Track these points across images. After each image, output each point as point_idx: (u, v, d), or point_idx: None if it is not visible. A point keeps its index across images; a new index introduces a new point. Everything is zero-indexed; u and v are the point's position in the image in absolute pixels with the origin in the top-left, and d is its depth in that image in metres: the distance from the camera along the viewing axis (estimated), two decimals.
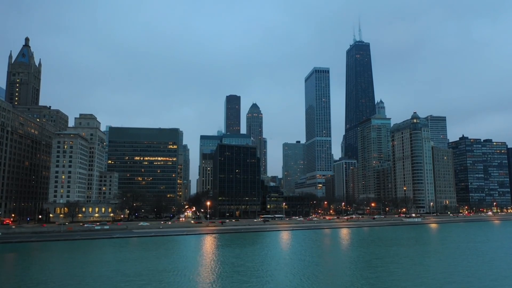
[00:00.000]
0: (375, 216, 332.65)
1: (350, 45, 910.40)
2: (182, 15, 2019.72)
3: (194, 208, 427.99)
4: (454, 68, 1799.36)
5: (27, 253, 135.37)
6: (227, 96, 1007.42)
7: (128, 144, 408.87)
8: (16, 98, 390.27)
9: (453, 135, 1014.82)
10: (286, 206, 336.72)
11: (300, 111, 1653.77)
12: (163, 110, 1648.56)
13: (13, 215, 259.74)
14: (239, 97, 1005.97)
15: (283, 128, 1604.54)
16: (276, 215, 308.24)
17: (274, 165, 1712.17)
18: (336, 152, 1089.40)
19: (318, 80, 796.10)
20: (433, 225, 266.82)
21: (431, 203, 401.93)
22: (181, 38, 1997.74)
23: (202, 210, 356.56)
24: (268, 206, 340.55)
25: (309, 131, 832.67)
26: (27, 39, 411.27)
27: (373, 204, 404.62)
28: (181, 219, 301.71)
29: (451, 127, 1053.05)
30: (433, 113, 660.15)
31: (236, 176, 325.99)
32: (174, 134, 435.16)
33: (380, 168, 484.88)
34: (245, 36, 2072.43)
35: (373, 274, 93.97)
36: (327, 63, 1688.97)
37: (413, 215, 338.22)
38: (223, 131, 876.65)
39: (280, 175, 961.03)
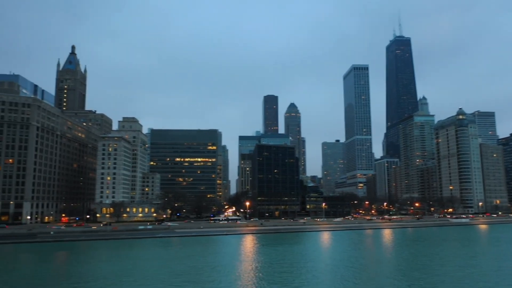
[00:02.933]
0: (419, 216, 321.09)
1: (390, 41, 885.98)
2: (230, 17, 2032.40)
3: (234, 208, 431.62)
4: (503, 62, 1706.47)
5: (77, 251, 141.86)
6: (264, 96, 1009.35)
7: (169, 146, 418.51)
8: (64, 104, 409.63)
9: (503, 132, 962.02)
10: (326, 206, 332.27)
11: (339, 109, 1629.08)
12: (206, 111, 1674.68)
13: (63, 215, 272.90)
14: (277, 97, 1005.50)
15: (321, 127, 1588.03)
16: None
17: (313, 165, 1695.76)
18: (377, 150, 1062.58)
19: (357, 77, 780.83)
20: (483, 226, 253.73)
21: (480, 203, 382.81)
22: (228, 39, 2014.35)
23: (241, 210, 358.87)
24: (308, 206, 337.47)
25: (348, 129, 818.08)
26: (73, 47, 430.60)
27: (417, 204, 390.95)
28: (222, 219, 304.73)
29: (500, 123, 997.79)
30: (480, 109, 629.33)
31: (274, 176, 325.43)
32: (213, 135, 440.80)
33: (424, 166, 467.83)
34: (285, 36, 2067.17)
35: (430, 278, 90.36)
36: (366, 60, 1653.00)
37: (463, 215, 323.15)
38: (261, 131, 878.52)
39: (319, 175, 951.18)
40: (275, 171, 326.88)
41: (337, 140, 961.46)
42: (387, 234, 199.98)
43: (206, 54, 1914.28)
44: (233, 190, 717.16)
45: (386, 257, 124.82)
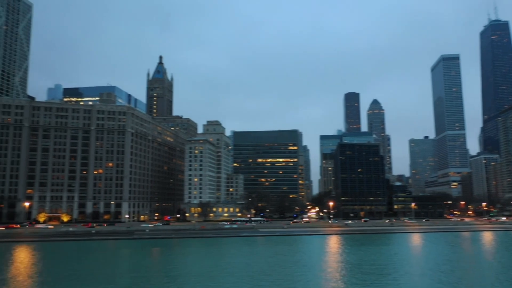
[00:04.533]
0: None
1: (484, 26, 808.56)
2: (314, 16, 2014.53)
3: (317, 208, 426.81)
4: None
5: (170, 248, 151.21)
6: (345, 94, 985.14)
7: (251, 147, 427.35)
8: (154, 110, 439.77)
9: None
10: (415, 207, 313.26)
11: (427, 104, 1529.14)
12: (288, 112, 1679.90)
13: (156, 214, 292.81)
14: (358, 94, 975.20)
15: (408, 123, 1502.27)
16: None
17: (400, 163, 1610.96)
18: (472, 146, 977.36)
19: (446, 68, 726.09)
20: None
21: None
22: (311, 39, 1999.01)
23: (325, 211, 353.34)
24: (395, 207, 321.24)
25: (439, 125, 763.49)
26: (160, 57, 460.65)
27: None
28: (304, 219, 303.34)
29: None
30: None
31: (358, 176, 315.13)
32: (294, 135, 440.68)
33: None
34: (368, 32, 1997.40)
35: None
36: (456, 49, 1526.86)
37: None
38: (343, 130, 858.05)
39: (407, 174, 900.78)
40: (359, 170, 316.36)
41: (426, 137, 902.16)
42: (487, 236, 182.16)
43: (289, 55, 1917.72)
44: (315, 190, 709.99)
45: (489, 262, 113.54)
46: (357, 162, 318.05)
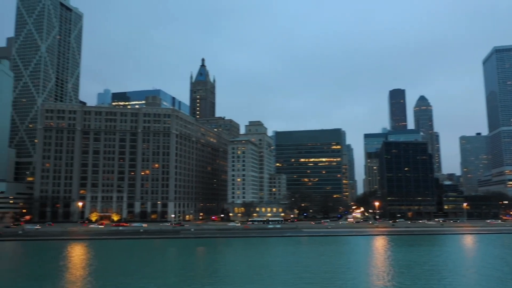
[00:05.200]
0: None
1: None
2: (358, 12, 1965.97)
3: (362, 209, 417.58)
4: None
5: (214, 247, 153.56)
6: (390, 91, 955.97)
7: (293, 147, 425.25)
8: (197, 112, 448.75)
9: None
10: (467, 207, 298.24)
11: (479, 99, 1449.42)
12: (331, 110, 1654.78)
13: (201, 214, 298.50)
14: (404, 90, 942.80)
15: (458, 120, 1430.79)
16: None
17: (449, 162, 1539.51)
18: None
19: (500, 60, 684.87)
20: None
21: None
22: (355, 35, 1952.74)
23: (370, 211, 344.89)
24: (446, 207, 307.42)
25: (492, 120, 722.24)
26: (203, 60, 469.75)
27: None
28: (348, 219, 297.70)
29: None
30: None
31: (405, 175, 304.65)
32: (337, 134, 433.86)
33: None
34: (414, 26, 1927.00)
35: None
36: (510, 40, 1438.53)
37: None
38: (388, 128, 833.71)
39: (458, 173, 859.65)
40: (406, 169, 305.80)
41: (478, 133, 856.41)
42: None
43: (332, 52, 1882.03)
44: (360, 190, 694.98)
45: None
46: (404, 160, 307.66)
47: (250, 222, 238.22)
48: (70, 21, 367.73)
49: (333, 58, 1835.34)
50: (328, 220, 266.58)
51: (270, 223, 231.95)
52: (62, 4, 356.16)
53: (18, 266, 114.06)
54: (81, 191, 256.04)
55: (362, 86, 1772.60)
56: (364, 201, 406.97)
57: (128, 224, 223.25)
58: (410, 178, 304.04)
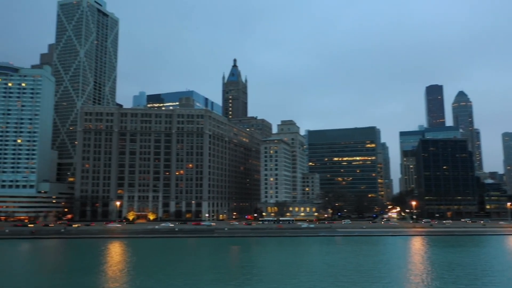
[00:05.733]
0: None
1: None
2: (396, 6, 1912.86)
3: (398, 208, 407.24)
4: None
5: (248, 246, 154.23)
6: (426, 87, 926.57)
7: (326, 146, 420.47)
8: (230, 112, 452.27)
9: None
10: (511, 206, 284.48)
11: None
12: (366, 108, 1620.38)
13: (234, 213, 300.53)
14: (441, 86, 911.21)
15: (500, 116, 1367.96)
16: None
17: (491, 160, 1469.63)
18: None
19: None
20: None
21: None
22: (393, 31, 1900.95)
23: (407, 211, 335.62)
24: (488, 207, 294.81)
25: None
26: (235, 60, 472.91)
27: None
28: (384, 219, 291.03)
29: None
30: None
31: (444, 173, 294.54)
32: (371, 133, 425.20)
33: None
34: (454, 19, 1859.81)
35: None
36: None
37: None
38: (425, 125, 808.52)
39: (500, 171, 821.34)
40: (444, 167, 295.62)
41: None
42: None
43: (367, 49, 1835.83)
44: (396, 189, 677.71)
45: None
46: (442, 159, 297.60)
47: (261, 222, 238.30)
48: (107, 26, 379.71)
49: (368, 54, 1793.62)
50: (387, 218, 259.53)
51: (281, 222, 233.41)
52: (99, 10, 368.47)
53: (62, 262, 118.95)
54: (119, 191, 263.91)
55: (398, 83, 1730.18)
56: (400, 200, 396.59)
57: (201, 223, 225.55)
58: (449, 177, 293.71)
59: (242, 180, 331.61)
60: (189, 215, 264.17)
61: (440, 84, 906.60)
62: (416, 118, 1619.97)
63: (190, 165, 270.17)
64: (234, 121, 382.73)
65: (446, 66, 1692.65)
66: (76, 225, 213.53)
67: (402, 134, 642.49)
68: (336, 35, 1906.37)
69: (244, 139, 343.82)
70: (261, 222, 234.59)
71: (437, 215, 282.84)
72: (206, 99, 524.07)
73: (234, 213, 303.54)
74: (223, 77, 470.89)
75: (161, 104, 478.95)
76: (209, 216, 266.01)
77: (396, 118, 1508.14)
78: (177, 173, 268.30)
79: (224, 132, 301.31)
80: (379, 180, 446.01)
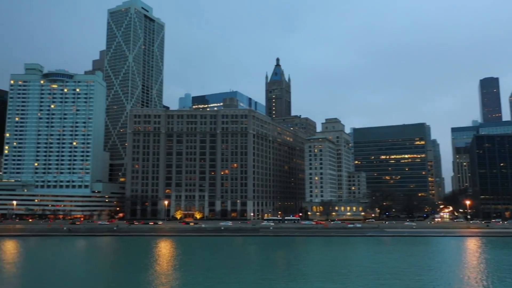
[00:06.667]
0: None
1: None
2: None
3: (450, 208, 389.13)
4: None
5: (294, 245, 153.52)
6: (480, 80, 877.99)
7: (373, 144, 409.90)
8: (273, 112, 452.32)
9: None
10: None
11: None
12: (416, 104, 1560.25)
13: (279, 212, 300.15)
14: (497, 78, 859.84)
15: None
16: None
17: None
18: None
19: None
20: None
21: None
22: (446, 22, 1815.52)
23: (460, 210, 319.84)
24: None
25: None
26: (277, 59, 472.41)
27: None
28: (436, 219, 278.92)
29: None
30: None
31: (501, 171, 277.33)
32: (420, 129, 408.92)
33: None
34: (501, 7, 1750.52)
35: None
36: None
37: None
38: (479, 120, 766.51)
39: None
40: (502, 164, 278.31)
41: None
42: None
43: (418, 42, 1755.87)
44: (448, 188, 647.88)
45: None
46: (499, 155, 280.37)
47: (286, 221, 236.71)
48: (153, 31, 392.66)
49: (419, 48, 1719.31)
50: (439, 218, 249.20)
51: (286, 221, 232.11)
52: (146, 16, 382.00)
53: (115, 258, 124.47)
54: (167, 190, 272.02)
55: (450, 77, 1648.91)
56: (453, 200, 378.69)
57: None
58: (507, 175, 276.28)
59: (286, 179, 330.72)
60: (234, 214, 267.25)
61: (496, 76, 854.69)
62: (469, 113, 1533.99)
63: (235, 164, 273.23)
64: (277, 120, 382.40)
65: (502, 57, 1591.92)
66: (137, 223, 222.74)
67: (454, 130, 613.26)
68: (385, 30, 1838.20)
69: (288, 138, 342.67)
70: (265, 222, 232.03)
71: (494, 215, 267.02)
72: (250, 99, 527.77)
73: (279, 212, 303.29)
74: (266, 77, 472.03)
75: (206, 105, 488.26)
76: (254, 215, 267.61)
77: (447, 114, 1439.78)
78: (222, 173, 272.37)
79: (268, 132, 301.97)
80: (430, 179, 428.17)
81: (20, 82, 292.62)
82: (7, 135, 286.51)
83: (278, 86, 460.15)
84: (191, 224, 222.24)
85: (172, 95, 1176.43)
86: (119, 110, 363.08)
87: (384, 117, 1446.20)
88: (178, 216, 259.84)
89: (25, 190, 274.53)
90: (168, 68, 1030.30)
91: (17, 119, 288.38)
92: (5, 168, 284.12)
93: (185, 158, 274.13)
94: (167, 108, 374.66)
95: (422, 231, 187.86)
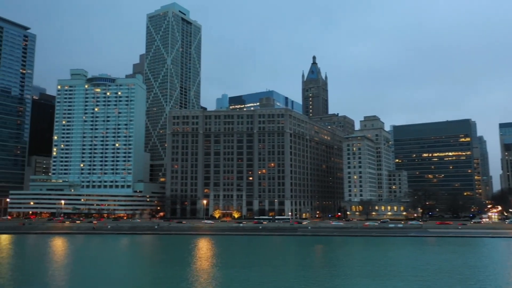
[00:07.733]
0: None
1: None
2: None
3: (499, 208, 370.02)
4: None
5: (334, 245, 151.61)
6: None
7: (414, 141, 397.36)
8: (310, 110, 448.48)
9: None
10: None
11: None
12: (462, 100, 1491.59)
13: (317, 212, 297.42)
14: None
15: None
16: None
17: None
18: None
19: None
20: None
21: None
22: (493, 11, 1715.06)
23: (510, 210, 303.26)
24: None
25: None
26: (314, 58, 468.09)
27: None
28: (483, 219, 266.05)
29: None
30: None
31: None
32: (465, 126, 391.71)
33: None
34: None
35: None
36: None
37: None
38: None
39: None
40: None
41: None
42: None
43: (466, 34, 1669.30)
44: (496, 187, 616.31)
45: None
46: None
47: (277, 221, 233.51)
48: (191, 33, 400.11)
49: (465, 43, 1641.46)
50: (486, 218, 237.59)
51: (277, 221, 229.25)
52: (183, 19, 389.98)
53: (157, 255, 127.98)
54: (205, 190, 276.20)
55: (497, 71, 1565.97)
56: (502, 199, 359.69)
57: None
58: None
59: (324, 178, 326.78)
60: (272, 213, 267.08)
61: None
62: None
63: (272, 164, 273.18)
64: (314, 119, 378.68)
65: None
66: (184, 222, 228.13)
67: (503, 126, 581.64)
68: (431, 22, 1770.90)
69: (325, 137, 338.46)
70: (266, 222, 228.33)
71: None
72: (286, 98, 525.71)
73: (318, 212, 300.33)
74: (303, 75, 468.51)
75: (243, 105, 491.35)
76: (291, 215, 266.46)
77: (495, 110, 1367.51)
78: (259, 172, 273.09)
79: (305, 131, 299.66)
80: (476, 177, 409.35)
81: (66, 87, 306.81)
82: (55, 137, 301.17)
83: (314, 85, 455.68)
84: (243, 223, 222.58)
85: (210, 96, 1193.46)
86: (158, 111, 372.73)
87: (426, 114, 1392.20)
88: (217, 215, 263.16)
89: (72, 190, 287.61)
90: (205, 69, 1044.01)
91: (64, 122, 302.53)
92: (54, 169, 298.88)
93: (223, 158, 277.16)
94: (205, 109, 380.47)
95: (468, 232, 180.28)
